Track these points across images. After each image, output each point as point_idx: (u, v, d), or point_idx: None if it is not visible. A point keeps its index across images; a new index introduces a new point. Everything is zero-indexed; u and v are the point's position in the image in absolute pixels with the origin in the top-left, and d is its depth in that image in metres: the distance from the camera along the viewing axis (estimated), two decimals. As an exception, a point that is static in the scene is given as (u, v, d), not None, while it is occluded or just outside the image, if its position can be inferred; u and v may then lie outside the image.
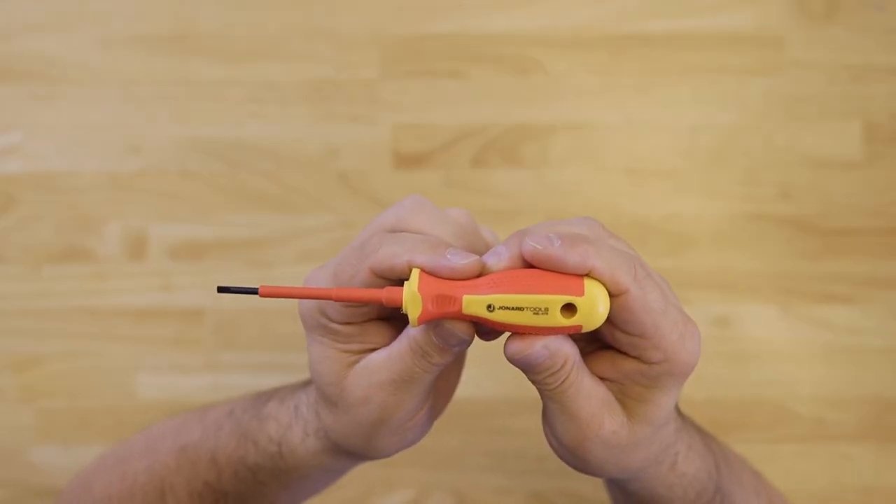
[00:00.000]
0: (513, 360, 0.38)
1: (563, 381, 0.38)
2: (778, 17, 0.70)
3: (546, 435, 0.43)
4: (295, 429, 0.45)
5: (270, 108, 0.71)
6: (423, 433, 0.45)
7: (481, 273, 0.38)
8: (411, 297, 0.37)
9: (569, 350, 0.38)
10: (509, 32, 0.70)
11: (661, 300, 0.37)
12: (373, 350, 0.41)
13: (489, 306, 0.37)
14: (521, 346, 0.37)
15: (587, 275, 0.37)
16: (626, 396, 0.40)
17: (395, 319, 0.42)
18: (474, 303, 0.37)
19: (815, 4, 0.70)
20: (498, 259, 0.38)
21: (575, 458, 0.41)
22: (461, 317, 0.38)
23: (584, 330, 0.37)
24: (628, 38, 0.70)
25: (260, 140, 0.70)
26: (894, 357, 0.69)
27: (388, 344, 0.41)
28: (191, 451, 0.49)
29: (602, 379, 0.40)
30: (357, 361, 0.41)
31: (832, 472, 0.69)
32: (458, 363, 0.49)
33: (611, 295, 0.37)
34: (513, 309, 0.37)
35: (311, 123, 0.70)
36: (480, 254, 0.40)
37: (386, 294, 0.38)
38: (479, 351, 0.70)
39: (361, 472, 0.70)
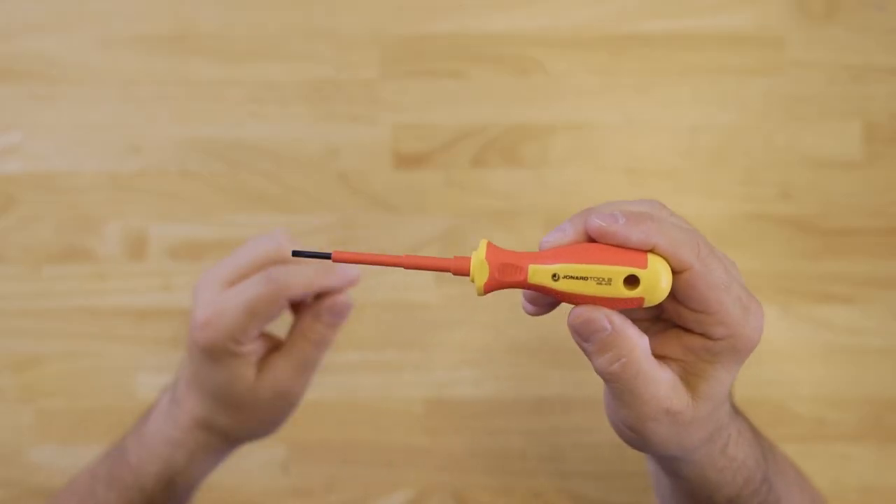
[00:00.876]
0: (574, 326, 0.39)
1: (632, 372, 0.39)
2: (778, 17, 0.70)
3: (609, 415, 0.43)
4: (177, 457, 0.52)
5: (270, 108, 0.71)
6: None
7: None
8: (479, 266, 0.39)
9: (636, 340, 0.39)
10: (509, 32, 0.70)
11: (725, 276, 0.38)
12: (258, 355, 0.51)
13: (554, 275, 0.38)
14: (584, 311, 0.38)
15: (651, 251, 0.38)
16: (689, 374, 0.40)
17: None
18: (540, 272, 0.38)
19: (815, 4, 0.70)
20: (563, 234, 0.39)
21: (638, 436, 0.42)
22: (526, 285, 0.39)
23: (647, 304, 0.38)
24: (628, 38, 0.70)
25: (260, 140, 0.70)
26: (894, 357, 0.69)
27: (273, 345, 0.52)
28: None
29: (667, 358, 0.41)
30: (258, 370, 0.51)
31: (832, 472, 0.69)
32: None
33: (674, 271, 0.38)
34: (577, 278, 0.38)
35: (311, 123, 0.70)
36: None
37: (454, 263, 0.39)
38: (480, 351, 0.70)
39: (361, 474, 0.70)
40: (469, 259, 0.39)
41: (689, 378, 0.40)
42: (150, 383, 0.70)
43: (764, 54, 0.70)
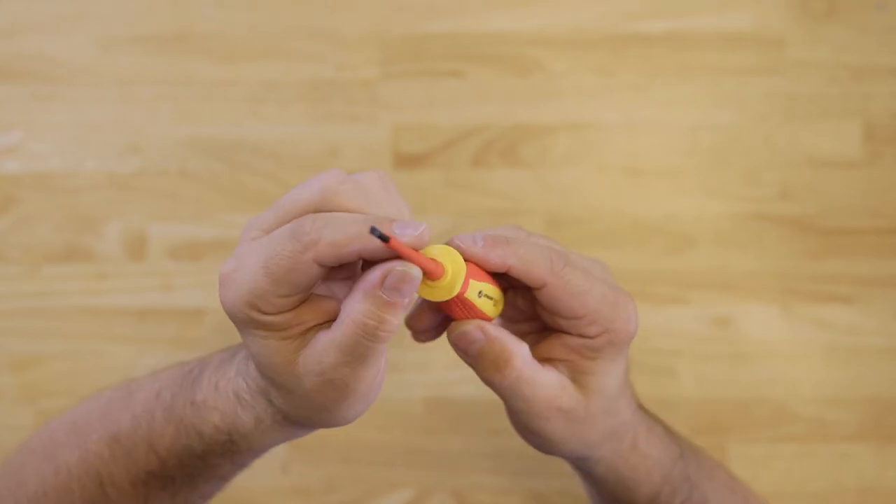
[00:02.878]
0: (453, 340, 0.41)
1: (514, 377, 0.41)
2: (778, 17, 0.70)
3: (512, 423, 0.47)
4: (243, 417, 0.44)
5: (270, 108, 0.71)
6: (381, 387, 0.44)
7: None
8: (458, 277, 0.40)
9: (513, 347, 0.41)
10: (509, 32, 0.70)
11: (584, 281, 0.41)
12: (312, 328, 0.39)
13: (479, 293, 0.41)
14: (457, 325, 0.41)
15: (507, 272, 0.41)
16: (577, 372, 0.43)
17: (326, 294, 0.41)
18: (474, 288, 0.40)
19: (815, 4, 0.70)
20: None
21: (540, 438, 0.45)
22: (456, 300, 0.40)
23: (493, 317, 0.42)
24: (628, 38, 0.70)
25: (260, 140, 0.70)
26: (894, 357, 0.69)
27: (327, 317, 0.40)
28: (124, 440, 0.47)
29: (555, 360, 0.43)
30: (302, 346, 0.39)
31: (832, 472, 0.69)
32: None
33: (533, 288, 0.41)
34: (487, 297, 0.41)
35: (311, 123, 0.70)
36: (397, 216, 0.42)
37: (432, 266, 0.38)
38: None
39: (361, 473, 0.70)
40: (441, 266, 0.39)
41: (578, 376, 0.43)
42: (150, 383, 0.70)
43: (764, 54, 0.70)
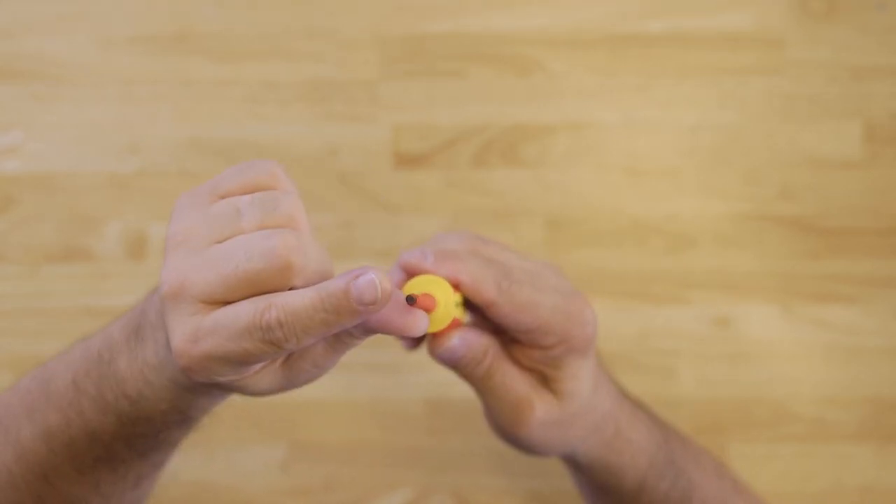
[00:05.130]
0: (445, 357, 0.43)
1: (487, 369, 0.43)
2: (778, 16, 0.70)
3: (490, 426, 0.47)
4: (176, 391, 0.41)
5: (270, 108, 0.71)
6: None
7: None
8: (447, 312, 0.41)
9: (486, 340, 0.42)
10: (509, 32, 0.70)
11: (534, 294, 0.42)
12: None
13: (456, 304, 0.41)
14: (445, 342, 0.42)
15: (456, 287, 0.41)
16: (546, 379, 0.44)
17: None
18: (453, 303, 0.41)
19: (815, 4, 0.70)
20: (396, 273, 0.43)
21: (520, 441, 0.45)
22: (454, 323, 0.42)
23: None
24: (628, 38, 0.70)
25: (260, 140, 0.70)
26: (894, 357, 0.69)
27: None
28: (60, 435, 0.44)
29: (524, 369, 0.44)
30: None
31: (832, 472, 0.69)
32: None
33: (480, 307, 0.42)
34: (460, 305, 0.41)
35: (311, 123, 0.70)
36: None
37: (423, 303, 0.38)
38: (479, 351, 0.70)
39: (361, 473, 0.70)
40: (433, 298, 0.39)
41: (548, 384, 0.44)
42: (150, 383, 0.70)
43: (764, 54, 0.70)
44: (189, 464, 0.70)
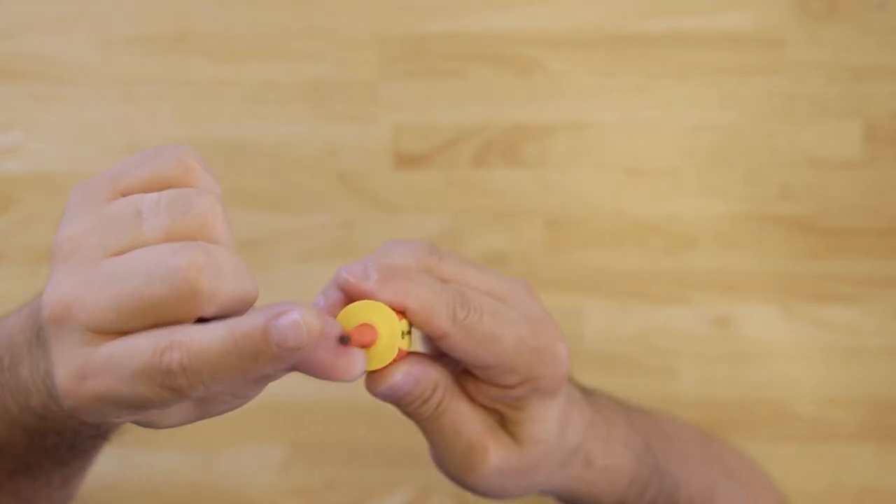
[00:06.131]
0: (387, 395, 0.35)
1: (436, 408, 0.36)
2: (778, 16, 0.70)
3: (438, 468, 0.40)
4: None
5: (270, 108, 0.71)
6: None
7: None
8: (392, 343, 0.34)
9: (436, 374, 0.36)
10: (509, 32, 0.70)
11: (493, 325, 0.35)
12: None
13: (402, 334, 0.34)
14: (386, 378, 0.34)
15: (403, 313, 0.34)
16: (506, 422, 0.37)
17: None
18: (398, 332, 0.34)
19: (815, 4, 0.70)
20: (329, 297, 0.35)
21: (471, 488, 0.39)
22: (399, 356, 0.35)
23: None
24: (628, 38, 0.70)
25: (260, 140, 0.70)
26: (894, 357, 0.69)
27: None
28: None
29: (482, 409, 0.37)
30: None
31: (832, 472, 0.69)
32: None
33: (433, 338, 0.35)
34: (405, 333, 0.34)
35: (311, 123, 0.70)
36: None
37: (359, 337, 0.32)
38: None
39: (361, 473, 0.70)
40: (374, 330, 0.32)
41: (508, 426, 0.37)
42: (150, 383, 0.70)
43: (764, 54, 0.70)
44: (189, 464, 0.70)
